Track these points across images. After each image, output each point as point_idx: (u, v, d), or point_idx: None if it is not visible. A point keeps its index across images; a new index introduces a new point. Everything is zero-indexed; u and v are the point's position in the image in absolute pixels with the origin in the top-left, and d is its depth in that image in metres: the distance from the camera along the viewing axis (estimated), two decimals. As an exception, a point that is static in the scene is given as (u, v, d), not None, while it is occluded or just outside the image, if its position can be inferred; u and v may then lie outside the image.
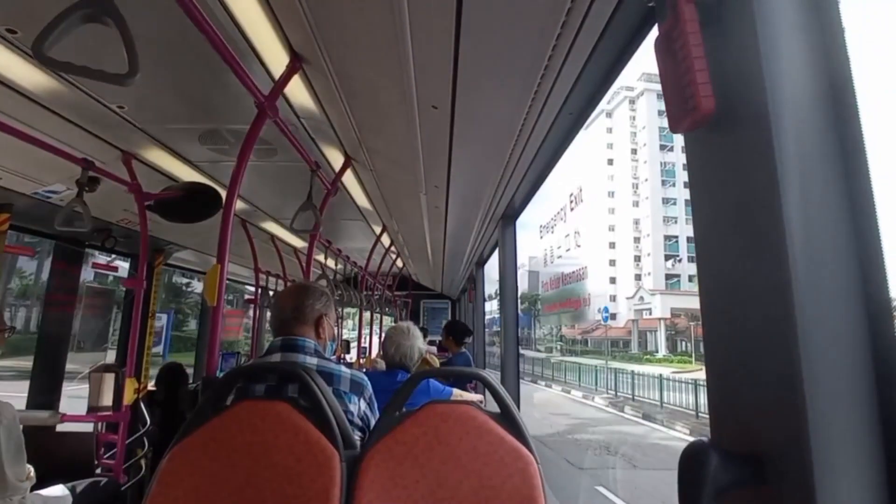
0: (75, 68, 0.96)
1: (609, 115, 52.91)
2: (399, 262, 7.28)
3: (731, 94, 0.68)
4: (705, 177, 0.76)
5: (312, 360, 1.55)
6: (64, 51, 0.96)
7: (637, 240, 50.50)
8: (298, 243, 5.04)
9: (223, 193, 2.22)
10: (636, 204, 51.20)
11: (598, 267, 48.62)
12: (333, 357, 1.72)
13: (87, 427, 2.89)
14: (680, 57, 0.70)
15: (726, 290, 0.70)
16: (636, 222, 50.74)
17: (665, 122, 0.90)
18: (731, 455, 0.62)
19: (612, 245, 51.04)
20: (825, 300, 0.59)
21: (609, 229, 51.32)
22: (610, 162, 52.82)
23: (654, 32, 0.86)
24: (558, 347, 46.68)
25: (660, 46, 0.77)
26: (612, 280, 49.46)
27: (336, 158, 2.76)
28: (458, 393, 2.55)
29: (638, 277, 48.27)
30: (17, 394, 2.88)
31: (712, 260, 0.74)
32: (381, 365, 2.58)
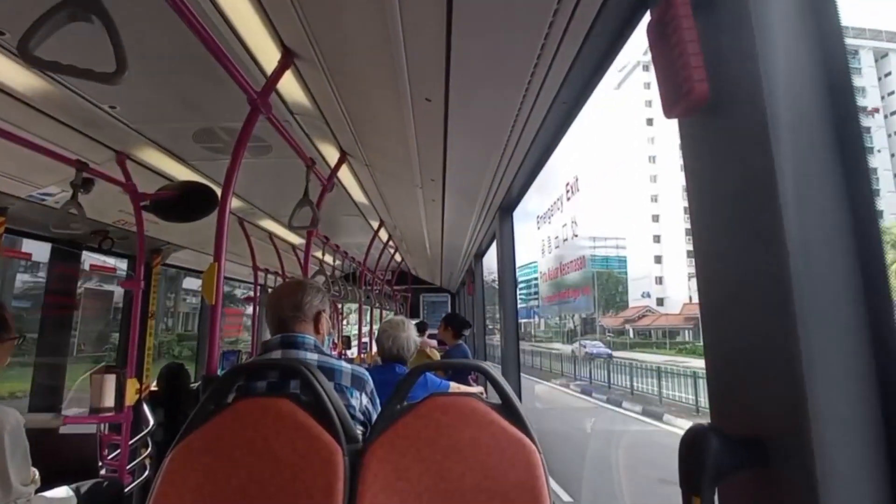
0: (62, 67, 0.96)
1: (647, 67, 41.17)
2: (398, 257, 7.28)
3: (725, 78, 0.67)
4: (700, 162, 0.75)
5: (313, 356, 1.55)
6: (52, 50, 0.95)
7: (687, 210, 41.88)
8: (296, 240, 5.03)
9: (219, 192, 2.21)
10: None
11: (638, 243, 41.14)
12: (334, 353, 1.72)
13: (90, 428, 2.90)
14: (673, 42, 0.69)
15: (724, 275, 0.70)
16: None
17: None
18: (731, 439, 0.62)
19: (656, 218, 42.39)
20: (823, 283, 0.59)
21: (651, 200, 42.71)
22: (649, 122, 43.12)
23: (647, 18, 0.85)
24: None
25: (652, 31, 0.76)
26: (658, 259, 41.18)
27: (331, 154, 2.75)
28: (455, 386, 2.55)
29: (690, 254, 39.75)
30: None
31: (710, 245, 0.74)
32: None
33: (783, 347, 0.59)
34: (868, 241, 0.60)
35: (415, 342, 2.52)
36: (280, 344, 1.57)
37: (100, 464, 2.72)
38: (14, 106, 1.92)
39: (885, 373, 0.57)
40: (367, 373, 1.62)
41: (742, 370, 0.66)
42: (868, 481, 0.56)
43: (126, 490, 2.65)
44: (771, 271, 0.61)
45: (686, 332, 34.86)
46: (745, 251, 0.66)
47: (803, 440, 0.55)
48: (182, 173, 2.87)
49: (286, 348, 1.57)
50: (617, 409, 13.63)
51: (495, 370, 1.51)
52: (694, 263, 0.76)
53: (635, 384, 15.55)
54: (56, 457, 2.37)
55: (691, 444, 0.62)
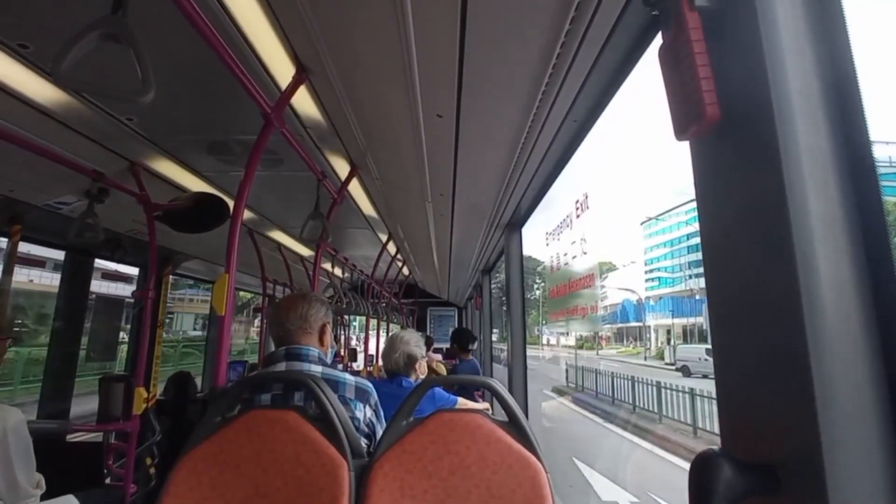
0: (92, 87, 0.99)
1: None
2: (405, 270, 7.29)
3: (735, 101, 0.68)
4: (711, 183, 0.75)
5: (317, 369, 1.55)
6: (81, 68, 0.98)
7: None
8: (305, 252, 5.06)
9: (231, 203, 2.24)
10: None
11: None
12: (339, 366, 1.72)
13: (97, 436, 2.90)
14: (685, 65, 0.70)
15: (736, 297, 0.70)
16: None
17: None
18: (742, 464, 0.61)
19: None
20: (836, 307, 0.59)
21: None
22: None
23: (659, 40, 0.86)
24: None
25: (664, 55, 0.77)
26: None
27: (342, 167, 2.77)
28: (462, 402, 2.53)
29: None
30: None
31: (721, 267, 0.73)
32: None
33: (795, 372, 0.58)
34: (881, 262, 0.59)
35: (408, 356, 2.45)
36: (285, 356, 1.58)
37: (105, 472, 2.72)
38: (34, 116, 1.96)
39: None
40: (370, 385, 1.62)
41: (753, 394, 0.66)
42: None
43: (131, 499, 2.64)
44: (783, 293, 0.61)
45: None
46: (756, 273, 0.66)
47: (816, 467, 0.55)
48: (195, 184, 2.91)
49: (290, 360, 1.57)
50: None
51: (502, 387, 1.50)
52: (705, 285, 0.76)
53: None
54: (62, 465, 2.38)
55: (701, 469, 0.61)
